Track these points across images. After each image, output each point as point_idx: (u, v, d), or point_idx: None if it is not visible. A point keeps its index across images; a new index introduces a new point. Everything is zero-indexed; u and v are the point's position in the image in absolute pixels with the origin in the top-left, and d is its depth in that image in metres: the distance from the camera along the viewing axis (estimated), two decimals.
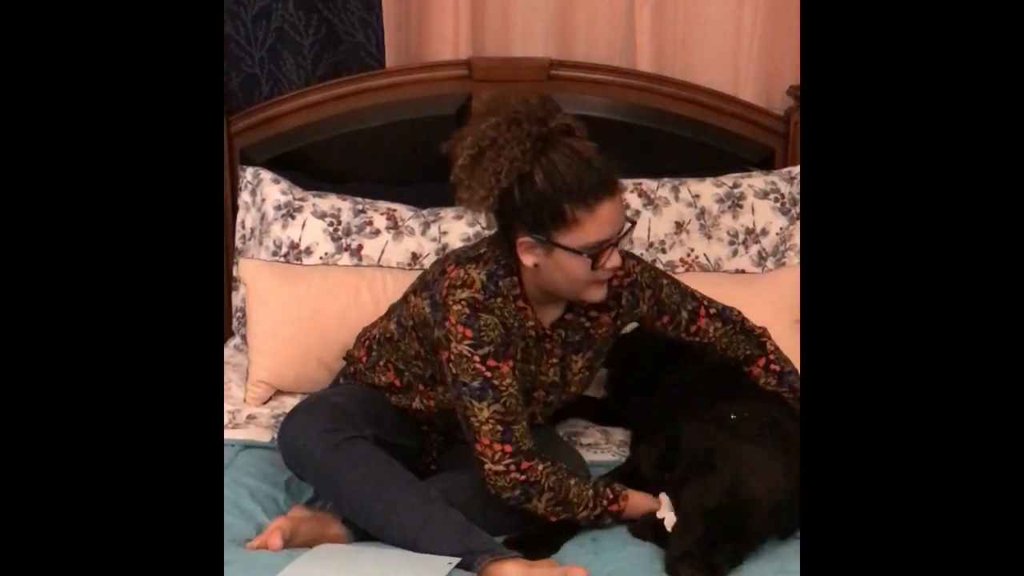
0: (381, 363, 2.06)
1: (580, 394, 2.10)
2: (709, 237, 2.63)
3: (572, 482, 1.85)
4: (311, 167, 2.74)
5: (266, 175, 2.63)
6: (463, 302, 1.85)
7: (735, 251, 2.64)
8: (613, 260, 1.85)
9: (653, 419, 2.13)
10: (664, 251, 2.62)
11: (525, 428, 1.87)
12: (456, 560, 1.73)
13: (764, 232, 2.64)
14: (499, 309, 1.87)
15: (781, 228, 2.65)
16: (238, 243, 2.67)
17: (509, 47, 2.86)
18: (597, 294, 1.89)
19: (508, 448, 1.84)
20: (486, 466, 1.85)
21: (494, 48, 2.85)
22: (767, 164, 2.79)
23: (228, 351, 2.61)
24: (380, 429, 1.95)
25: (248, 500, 1.97)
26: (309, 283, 2.46)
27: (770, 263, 2.64)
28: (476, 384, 1.84)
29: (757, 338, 2.10)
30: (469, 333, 1.84)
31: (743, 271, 2.64)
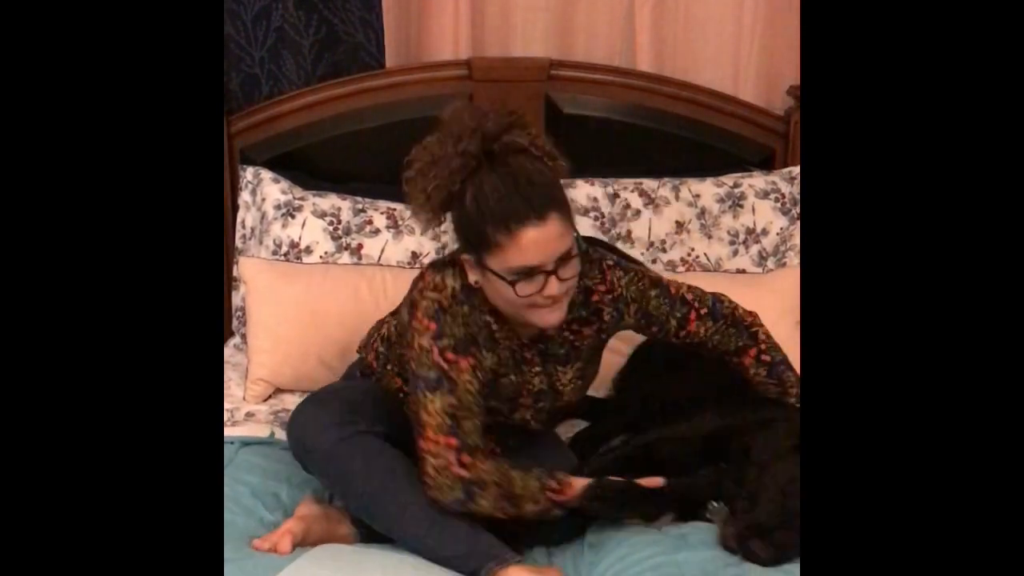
0: (388, 367, 2.05)
1: (578, 400, 2.09)
2: (709, 237, 2.63)
3: (516, 474, 1.79)
4: (311, 167, 2.74)
5: (266, 174, 2.64)
6: (432, 300, 1.82)
7: (735, 251, 2.64)
8: (548, 289, 1.76)
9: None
10: (664, 251, 2.62)
11: (476, 426, 1.81)
12: None
13: (764, 232, 2.64)
14: (463, 316, 1.83)
15: (782, 228, 2.65)
16: (238, 242, 2.67)
17: (509, 47, 2.86)
18: (546, 318, 1.82)
19: (453, 441, 1.78)
20: (428, 463, 1.78)
21: (494, 48, 2.85)
22: (767, 164, 2.79)
23: (228, 350, 2.61)
24: (392, 427, 1.93)
25: (248, 497, 1.97)
26: (309, 281, 2.46)
27: (771, 263, 2.64)
28: (432, 375, 1.80)
29: (748, 328, 2.06)
30: (432, 326, 1.81)
31: (743, 271, 2.64)
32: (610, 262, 1.98)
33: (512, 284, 1.75)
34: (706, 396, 2.09)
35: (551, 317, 1.82)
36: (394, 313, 2.08)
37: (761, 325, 2.08)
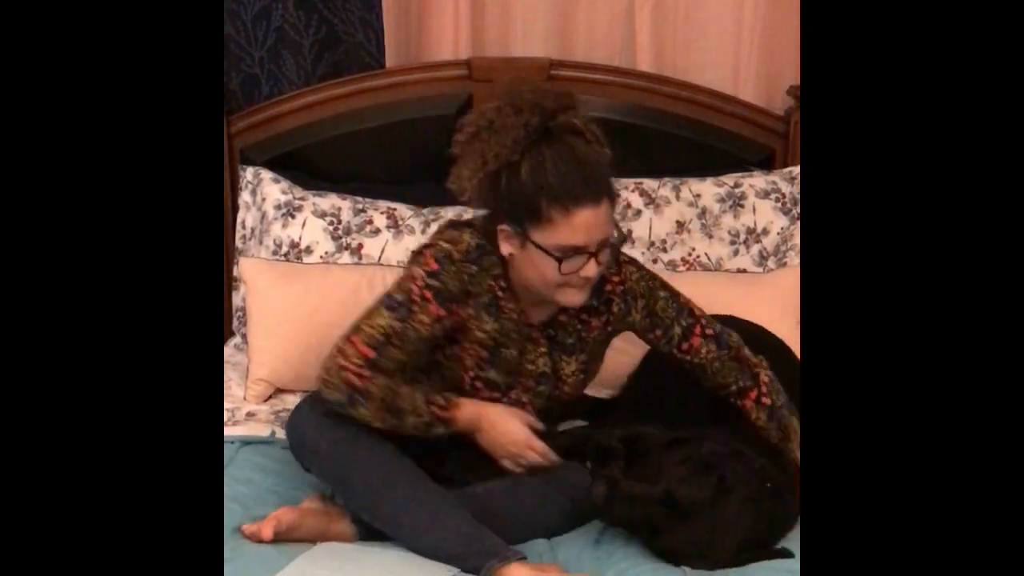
0: None
1: (577, 395, 2.09)
2: (710, 237, 2.63)
3: (404, 389, 1.84)
4: (311, 167, 2.74)
5: (266, 174, 2.64)
6: (444, 249, 1.87)
7: (736, 251, 2.64)
8: (587, 270, 1.81)
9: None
10: (665, 250, 2.62)
11: (399, 362, 1.85)
12: (456, 573, 1.73)
13: (765, 232, 2.64)
14: (468, 275, 1.87)
15: (782, 228, 2.65)
16: (238, 243, 2.67)
17: (509, 47, 2.86)
18: (571, 298, 1.86)
19: (370, 353, 1.83)
20: (332, 359, 1.84)
21: (494, 48, 2.85)
22: (767, 164, 2.79)
23: (228, 350, 2.61)
24: None
25: (248, 497, 1.97)
26: (309, 281, 2.46)
27: (771, 263, 2.64)
28: (399, 298, 1.86)
29: (751, 369, 2.01)
30: (434, 265, 1.86)
31: (744, 271, 2.64)
32: (626, 257, 2.00)
33: (559, 261, 1.78)
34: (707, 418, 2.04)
35: (577, 298, 1.86)
36: None
37: (765, 368, 2.02)
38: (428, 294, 1.85)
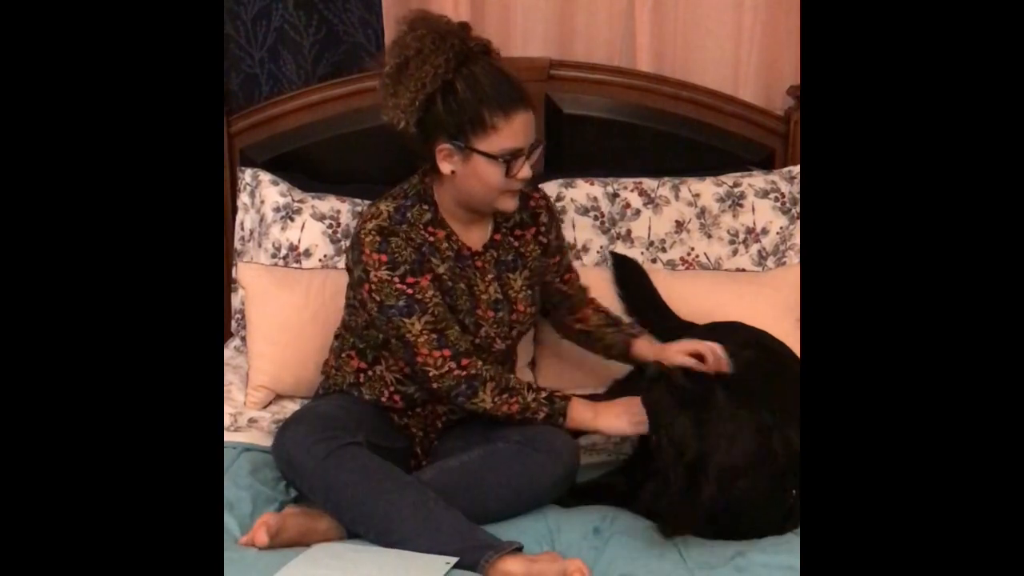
0: (344, 354, 2.14)
1: (533, 316, 2.16)
2: (709, 236, 2.63)
3: (511, 374, 2.00)
4: (311, 167, 2.73)
5: (264, 176, 2.63)
6: (372, 231, 1.97)
7: (735, 250, 2.64)
8: (524, 171, 1.96)
9: None
10: (664, 250, 2.62)
11: (458, 332, 1.99)
12: (454, 560, 1.73)
13: (764, 231, 2.64)
14: (404, 234, 1.99)
15: (781, 227, 2.65)
16: (237, 244, 2.67)
17: (509, 47, 2.85)
18: (510, 203, 2.00)
19: (447, 352, 1.96)
20: (430, 374, 1.97)
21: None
22: (767, 164, 2.79)
23: (228, 352, 2.60)
24: (370, 433, 1.98)
25: (248, 502, 1.97)
26: (308, 287, 2.45)
27: (770, 262, 2.64)
28: (402, 303, 1.96)
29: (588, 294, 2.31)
30: (384, 258, 1.97)
31: (743, 270, 2.64)
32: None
33: (506, 164, 1.93)
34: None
35: (512, 203, 2.01)
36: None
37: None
38: (409, 279, 1.97)
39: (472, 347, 2.00)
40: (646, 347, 2.18)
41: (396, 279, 1.96)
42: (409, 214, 2.02)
